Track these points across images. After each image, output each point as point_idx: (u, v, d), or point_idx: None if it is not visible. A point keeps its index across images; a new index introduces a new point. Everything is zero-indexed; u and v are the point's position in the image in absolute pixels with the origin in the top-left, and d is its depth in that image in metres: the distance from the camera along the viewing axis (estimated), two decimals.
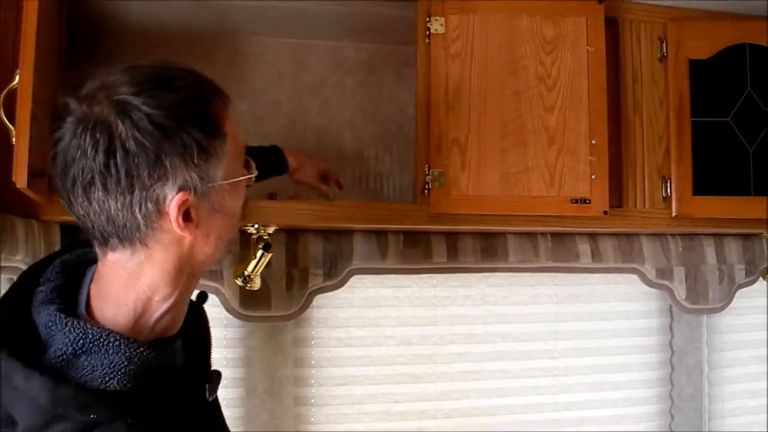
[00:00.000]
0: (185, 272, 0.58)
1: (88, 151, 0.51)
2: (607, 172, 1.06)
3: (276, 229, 1.03)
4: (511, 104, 1.05)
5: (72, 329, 0.53)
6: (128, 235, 0.54)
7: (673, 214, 1.11)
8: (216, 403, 0.69)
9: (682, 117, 1.12)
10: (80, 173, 0.52)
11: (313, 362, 1.23)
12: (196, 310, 0.70)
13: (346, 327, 1.24)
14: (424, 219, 1.04)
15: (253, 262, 1.02)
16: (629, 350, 1.36)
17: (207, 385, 0.64)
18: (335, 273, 1.15)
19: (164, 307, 0.58)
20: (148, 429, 0.53)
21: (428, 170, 1.03)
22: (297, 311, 1.14)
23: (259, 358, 1.17)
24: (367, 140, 1.27)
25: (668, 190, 1.12)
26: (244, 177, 0.61)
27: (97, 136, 0.51)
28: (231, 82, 1.19)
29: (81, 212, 0.54)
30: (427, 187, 1.03)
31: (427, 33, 1.04)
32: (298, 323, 1.21)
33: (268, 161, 1.03)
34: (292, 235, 1.14)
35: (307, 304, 1.15)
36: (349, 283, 1.17)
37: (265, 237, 1.02)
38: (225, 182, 0.57)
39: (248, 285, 1.03)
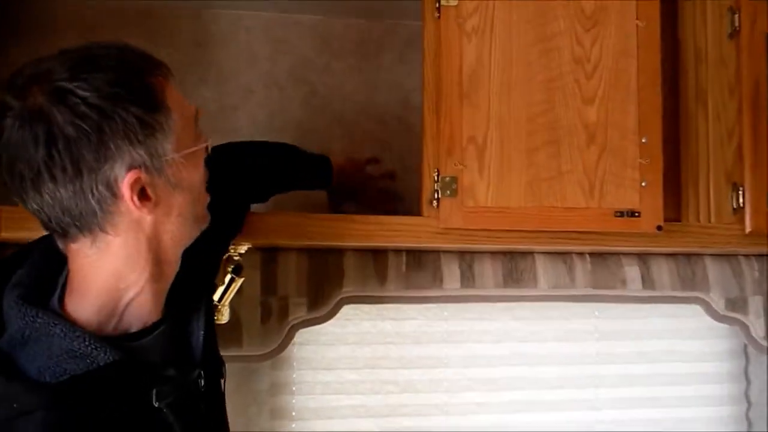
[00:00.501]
0: (151, 256, 0.67)
1: (30, 145, 0.59)
2: (661, 178, 1.05)
3: (249, 248, 1.02)
4: (541, 94, 1.04)
5: (24, 316, 0.62)
6: (86, 223, 0.62)
7: (747, 230, 1.10)
8: (177, 410, 0.69)
9: (758, 107, 1.10)
10: (26, 168, 0.60)
11: (294, 414, 1.21)
12: (201, 303, 0.78)
13: (336, 369, 1.23)
14: (433, 235, 1.04)
15: (221, 289, 1.01)
16: (692, 401, 1.33)
17: (154, 390, 0.66)
18: (322, 302, 1.13)
19: (131, 293, 0.66)
20: (69, 424, 0.60)
21: (438, 176, 1.02)
22: (275, 350, 1.12)
23: (228, 407, 1.10)
24: (361, 138, 1.27)
25: (740, 200, 1.10)
26: (198, 147, 0.69)
27: (36, 128, 0.59)
28: (194, 65, 1.23)
29: (35, 207, 0.63)
30: (436, 196, 1.02)
31: (437, 5, 1.04)
32: (276, 364, 1.19)
33: (314, 170, 1.12)
34: (269, 255, 1.12)
35: (287, 340, 1.13)
36: (339, 315, 1.14)
37: (235, 257, 1.01)
38: (177, 155, 0.65)
39: (215, 317, 1.00)
